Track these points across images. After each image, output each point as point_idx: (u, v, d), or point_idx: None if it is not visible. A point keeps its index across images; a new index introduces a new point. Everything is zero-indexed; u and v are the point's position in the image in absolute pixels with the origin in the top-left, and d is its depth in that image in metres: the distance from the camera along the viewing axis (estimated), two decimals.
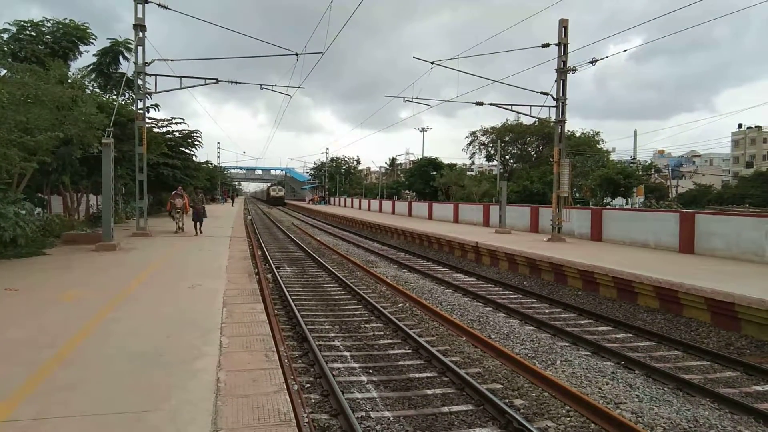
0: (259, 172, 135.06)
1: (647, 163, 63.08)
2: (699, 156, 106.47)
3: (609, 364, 8.14)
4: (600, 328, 10.48)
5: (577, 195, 42.08)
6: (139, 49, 20.48)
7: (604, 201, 41.76)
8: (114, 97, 25.44)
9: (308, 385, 7.04)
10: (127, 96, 25.85)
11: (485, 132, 64.05)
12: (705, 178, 76.67)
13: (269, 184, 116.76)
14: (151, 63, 20.92)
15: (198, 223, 22.17)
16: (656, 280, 11.72)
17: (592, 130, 62.83)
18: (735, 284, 10.71)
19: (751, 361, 8.38)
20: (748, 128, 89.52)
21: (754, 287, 10.34)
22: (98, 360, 5.97)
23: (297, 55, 21.15)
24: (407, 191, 69.56)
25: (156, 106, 28.54)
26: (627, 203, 46.63)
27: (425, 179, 58.95)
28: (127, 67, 26.42)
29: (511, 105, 23.37)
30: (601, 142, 57.04)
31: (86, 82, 23.71)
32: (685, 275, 11.89)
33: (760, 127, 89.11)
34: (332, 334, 9.66)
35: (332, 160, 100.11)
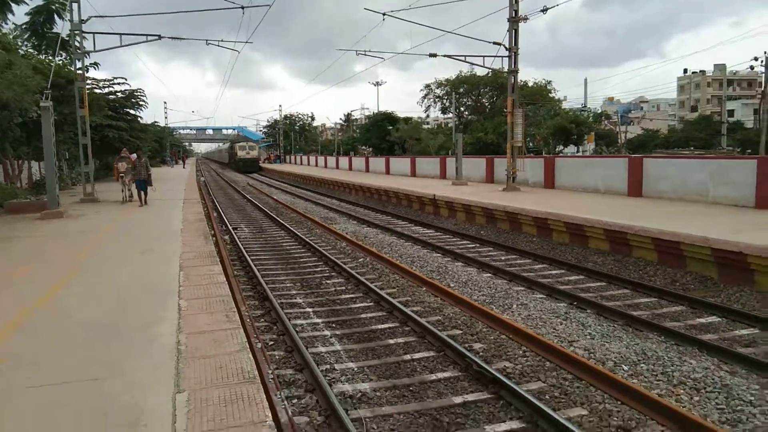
0: (210, 131, 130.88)
1: (598, 111, 64.27)
2: (647, 102, 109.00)
3: (562, 306, 8.46)
4: (553, 272, 10.83)
5: (531, 144, 42.69)
6: (74, 5, 19.31)
7: (557, 149, 42.58)
8: (50, 58, 24.00)
9: (272, 343, 7.08)
10: (64, 56, 24.44)
11: (440, 84, 63.70)
12: (652, 123, 78.73)
13: (229, 142, 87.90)
14: (88, 20, 19.79)
15: (143, 192, 19.23)
16: (606, 224, 12.12)
17: (544, 79, 63.27)
18: (680, 224, 11.18)
19: (695, 295, 8.85)
20: (693, 73, 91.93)
21: (698, 226, 10.82)
22: (52, 331, 5.83)
23: (243, 8, 20.33)
24: (363, 147, 69.14)
25: (95, 64, 27.15)
26: (578, 151, 47.68)
27: (381, 134, 58.63)
28: (62, 26, 24.90)
29: (465, 56, 23.28)
30: (553, 92, 57.70)
31: (19, 43, 22.30)
32: (633, 218, 12.32)
33: (704, 71, 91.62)
34: (294, 292, 9.68)
35: (286, 117, 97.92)
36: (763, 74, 47.22)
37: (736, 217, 12.00)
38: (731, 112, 74.09)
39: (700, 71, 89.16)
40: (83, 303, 6.85)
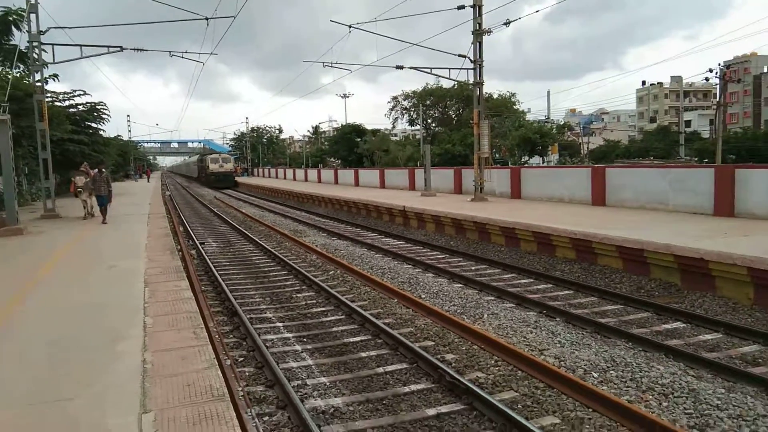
0: (175, 145, 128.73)
1: (561, 122, 65.69)
2: (607, 113, 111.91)
3: (532, 314, 8.54)
4: (523, 281, 10.94)
5: (497, 155, 43.31)
6: (32, 16, 18.82)
7: (522, 160, 43.27)
8: (7, 70, 23.28)
9: (241, 359, 6.94)
10: (22, 69, 23.75)
11: (407, 96, 64.16)
12: (613, 134, 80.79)
13: (198, 155, 78.45)
14: (47, 31, 19.29)
15: (102, 209, 17.93)
16: (572, 232, 12.32)
17: (508, 91, 64.47)
18: (643, 231, 11.44)
19: (659, 302, 9.05)
20: (651, 85, 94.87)
21: (660, 233, 11.09)
22: (13, 351, 5.61)
23: (207, 19, 20.15)
24: (332, 159, 69.02)
25: (55, 76, 26.42)
26: (543, 161, 48.55)
27: (350, 146, 58.66)
28: (20, 38, 24.22)
29: (431, 68, 23.49)
30: (517, 103, 58.72)
31: None
32: (598, 226, 12.57)
33: (662, 83, 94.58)
34: (263, 306, 9.54)
35: (253, 129, 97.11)
36: (718, 86, 49.01)
37: (696, 225, 12.35)
38: (688, 123, 76.70)
39: (658, 83, 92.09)
40: (44, 321, 6.60)
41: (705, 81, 51.79)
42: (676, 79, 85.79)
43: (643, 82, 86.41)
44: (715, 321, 7.92)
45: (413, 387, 6.01)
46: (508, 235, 14.60)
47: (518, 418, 4.94)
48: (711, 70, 46.32)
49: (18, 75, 22.19)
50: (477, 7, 20.56)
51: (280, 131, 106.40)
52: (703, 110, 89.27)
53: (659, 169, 18.24)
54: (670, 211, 14.98)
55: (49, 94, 25.92)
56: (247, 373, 6.46)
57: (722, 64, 50.36)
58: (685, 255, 9.68)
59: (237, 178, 59.67)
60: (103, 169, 18.92)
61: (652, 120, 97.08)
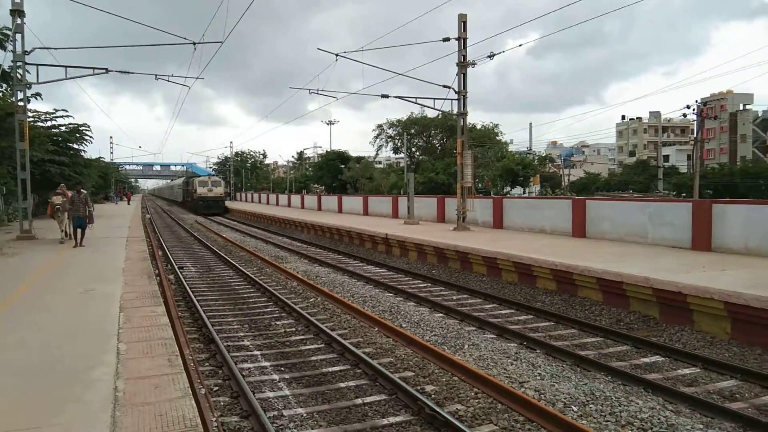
0: (158, 167, 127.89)
1: (542, 154, 66.66)
2: (588, 146, 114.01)
3: (512, 345, 8.51)
4: (504, 312, 10.93)
5: (480, 185, 43.70)
6: (18, 36, 18.78)
7: (504, 190, 43.71)
8: None
9: (216, 388, 6.79)
10: (4, 88, 23.54)
11: (392, 125, 64.76)
12: (594, 167, 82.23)
13: (184, 177, 74.77)
14: (31, 51, 19.22)
15: (79, 231, 16.98)
16: (552, 263, 12.39)
17: (491, 122, 65.42)
18: (623, 264, 11.54)
19: (638, 335, 9.09)
20: (630, 119, 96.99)
21: (639, 266, 11.20)
22: None
23: (195, 44, 20.24)
24: (316, 185, 69.04)
25: (38, 95, 26.23)
26: (525, 192, 49.08)
27: (334, 173, 58.80)
28: (4, 58, 24.05)
29: (416, 98, 23.79)
30: (499, 134, 59.51)
31: None
32: (578, 257, 12.66)
33: (641, 118, 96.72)
34: (241, 334, 9.39)
35: (237, 154, 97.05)
36: (695, 122, 50.26)
37: (675, 258, 12.50)
38: (666, 157, 78.42)
39: (637, 118, 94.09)
40: (14, 346, 6.41)
41: (683, 117, 52.96)
42: (655, 115, 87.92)
43: (623, 117, 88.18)
44: (693, 355, 7.96)
45: (392, 419, 5.91)
46: (489, 264, 14.63)
47: None
48: (689, 107, 47.64)
49: (0, 94, 21.98)
50: (462, 40, 20.95)
51: (264, 156, 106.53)
52: (680, 145, 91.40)
53: (638, 202, 18.51)
54: (649, 244, 15.16)
55: (31, 114, 25.64)
56: (222, 403, 6.31)
57: (699, 101, 51.68)
58: (663, 288, 9.76)
59: None
60: (83, 190, 18.04)
61: (632, 154, 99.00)
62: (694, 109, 47.77)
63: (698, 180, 39.43)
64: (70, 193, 18.36)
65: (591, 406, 6.11)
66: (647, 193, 48.48)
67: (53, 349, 6.28)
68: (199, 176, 56.91)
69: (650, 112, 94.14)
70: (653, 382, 6.83)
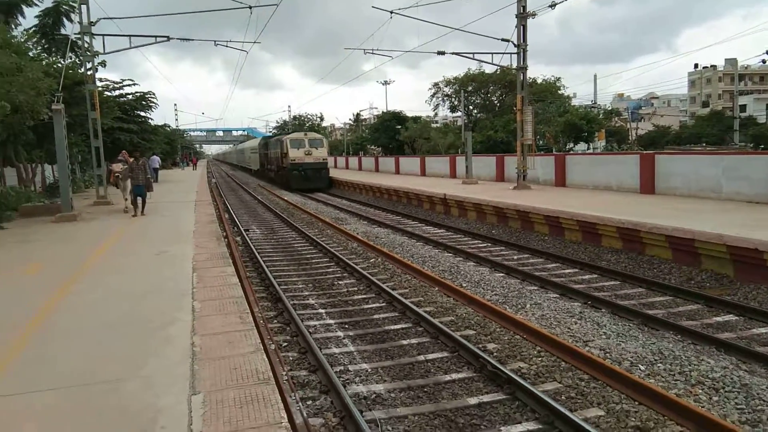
0: (220, 133, 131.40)
1: (608, 108, 63.85)
2: (657, 98, 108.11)
3: (576, 305, 8.39)
4: (567, 271, 10.75)
5: (541, 142, 42.45)
6: (83, 8, 19.46)
7: (567, 147, 42.32)
8: (58, 60, 24.10)
9: (285, 344, 7.08)
10: (73, 59, 24.54)
11: (448, 83, 63.44)
12: (663, 119, 78.10)
13: (265, 137, 53.20)
14: (97, 22, 19.91)
15: (141, 200, 16.21)
16: (619, 221, 12.02)
17: (553, 76, 62.93)
18: (694, 221, 11.06)
19: (710, 293, 8.75)
20: (704, 68, 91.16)
21: (712, 223, 10.70)
22: (68, 332, 5.86)
23: (251, 8, 20.36)
24: (373, 147, 69.06)
25: (103, 63, 27.18)
26: (589, 148, 47.37)
27: (390, 134, 58.50)
28: (71, 28, 24.98)
29: (473, 54, 23.24)
30: (562, 88, 57.29)
31: (30, 45, 22.41)
32: (646, 215, 12.21)
33: (716, 66, 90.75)
34: (306, 293, 9.69)
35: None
36: None
37: (751, 214, 11.85)
38: (743, 107, 73.28)
39: (711, 66, 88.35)
40: (98, 304, 6.88)
41: (762, 63, 49.28)
42: (731, 62, 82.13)
43: (696, 65, 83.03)
44: None
45: (454, 376, 6.01)
46: (551, 224, 14.35)
47: (562, 409, 4.89)
48: None
49: (69, 64, 22.92)
50: None
51: (322, 119, 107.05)
52: (759, 94, 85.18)
53: (712, 155, 17.54)
54: (722, 200, 14.43)
55: (100, 85, 26.68)
56: (290, 358, 6.59)
57: None
58: (738, 245, 9.31)
59: None
60: (140, 157, 17.15)
61: (705, 104, 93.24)
62: None
63: None
64: (131, 160, 17.62)
65: (659, 365, 6.00)
66: (722, 146, 45.76)
67: (133, 307, 6.69)
68: (290, 134, 38.21)
69: (726, 60, 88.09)
70: (726, 341, 6.61)
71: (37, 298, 7.24)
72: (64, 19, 25.21)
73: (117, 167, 17.60)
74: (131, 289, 7.65)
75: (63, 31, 25.11)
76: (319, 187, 33.29)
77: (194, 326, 5.89)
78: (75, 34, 20.40)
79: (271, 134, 56.78)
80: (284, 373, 5.93)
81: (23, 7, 22.31)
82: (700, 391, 5.40)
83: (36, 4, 22.88)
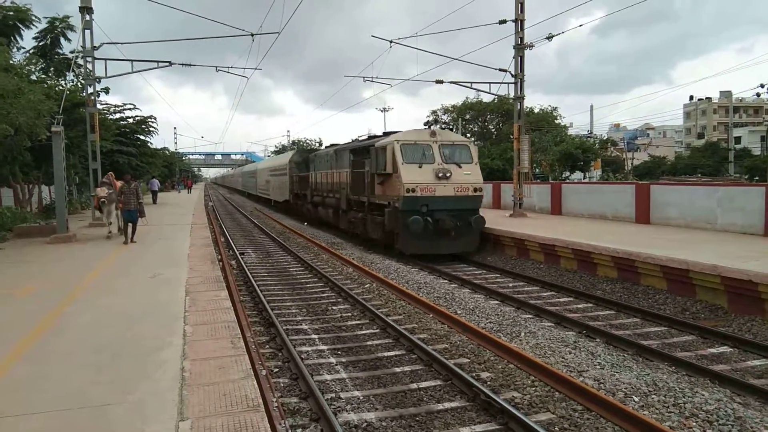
0: (219, 157, 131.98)
1: (604, 137, 64.38)
2: (653, 129, 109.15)
3: (571, 334, 8.36)
4: (562, 300, 10.73)
5: (537, 170, 42.72)
6: (87, 32, 19.71)
7: (563, 175, 42.56)
8: (57, 81, 24.22)
9: (276, 370, 7.02)
10: (72, 80, 24.69)
11: (446, 110, 64.13)
12: (659, 150, 78.76)
13: (313, 149, 39.92)
14: (99, 47, 20.16)
15: (130, 226, 15.15)
16: (614, 251, 12.03)
17: (549, 105, 63.62)
18: (689, 251, 11.08)
19: (705, 324, 8.73)
20: (699, 100, 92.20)
21: (707, 253, 10.73)
22: (58, 355, 5.80)
23: (253, 35, 20.68)
24: None
25: (106, 89, 27.36)
26: (585, 177, 47.65)
27: None
28: (70, 47, 25.08)
29: (471, 83, 23.53)
30: (558, 118, 57.89)
31: (32, 69, 22.59)
32: (641, 245, 12.24)
33: (711, 98, 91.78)
34: (300, 318, 9.63)
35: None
36: None
37: (745, 245, 11.89)
38: (738, 139, 74.04)
39: (707, 98, 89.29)
40: (90, 326, 6.82)
41: (756, 96, 49.87)
42: (726, 94, 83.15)
43: (691, 97, 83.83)
44: (764, 346, 7.59)
45: (447, 404, 5.95)
46: (547, 252, 14.36)
47: None
48: (763, 85, 44.83)
49: (70, 87, 23.07)
50: (519, 22, 20.46)
51: (320, 144, 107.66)
52: (753, 126, 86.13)
53: (707, 186, 17.66)
54: (717, 231, 14.48)
55: (101, 107, 26.86)
56: (281, 384, 6.52)
57: None
58: (732, 276, 9.32)
59: None
60: (131, 180, 15.97)
61: (700, 136, 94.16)
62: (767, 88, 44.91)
63: None
64: (118, 184, 16.32)
65: (653, 396, 5.95)
66: (717, 177, 46.08)
67: (124, 331, 6.63)
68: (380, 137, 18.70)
69: (720, 92, 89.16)
70: (720, 373, 6.57)
71: (29, 319, 7.18)
72: (61, 39, 25.26)
73: (102, 191, 16.19)
74: (123, 311, 7.60)
75: (61, 51, 25.21)
76: (463, 250, 16.17)
77: (185, 351, 5.84)
78: (73, 52, 20.51)
79: (319, 148, 39.65)
80: (275, 399, 5.86)
81: (21, 27, 22.36)
82: (694, 423, 5.35)
83: (33, 26, 23.01)
